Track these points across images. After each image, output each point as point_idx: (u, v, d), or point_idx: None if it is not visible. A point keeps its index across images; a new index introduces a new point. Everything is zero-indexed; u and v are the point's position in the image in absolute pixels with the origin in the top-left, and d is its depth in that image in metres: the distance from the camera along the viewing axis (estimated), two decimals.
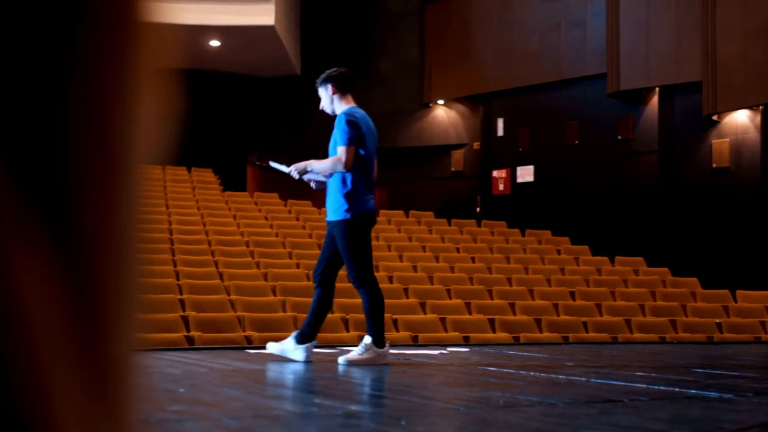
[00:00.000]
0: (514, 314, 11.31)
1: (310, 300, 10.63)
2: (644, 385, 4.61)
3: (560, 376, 5.18)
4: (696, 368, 5.89)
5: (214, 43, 21.58)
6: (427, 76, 22.19)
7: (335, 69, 6.37)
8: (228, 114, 23.73)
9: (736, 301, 12.94)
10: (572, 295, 12.56)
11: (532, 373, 5.39)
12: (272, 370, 5.37)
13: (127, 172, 0.60)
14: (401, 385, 4.48)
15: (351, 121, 6.02)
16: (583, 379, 5.04)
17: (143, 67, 0.61)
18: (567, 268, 14.21)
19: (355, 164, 6.01)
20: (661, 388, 4.51)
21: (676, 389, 4.47)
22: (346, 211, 5.99)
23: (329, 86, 6.24)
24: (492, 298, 11.94)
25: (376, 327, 5.97)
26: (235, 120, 23.75)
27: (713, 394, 4.22)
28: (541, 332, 10.72)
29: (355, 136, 6.00)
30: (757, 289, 13.32)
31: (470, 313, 11.19)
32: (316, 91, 6.39)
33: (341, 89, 6.24)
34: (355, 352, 5.97)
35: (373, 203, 6.18)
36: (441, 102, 22.08)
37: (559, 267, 14.18)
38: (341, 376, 5.00)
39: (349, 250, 5.94)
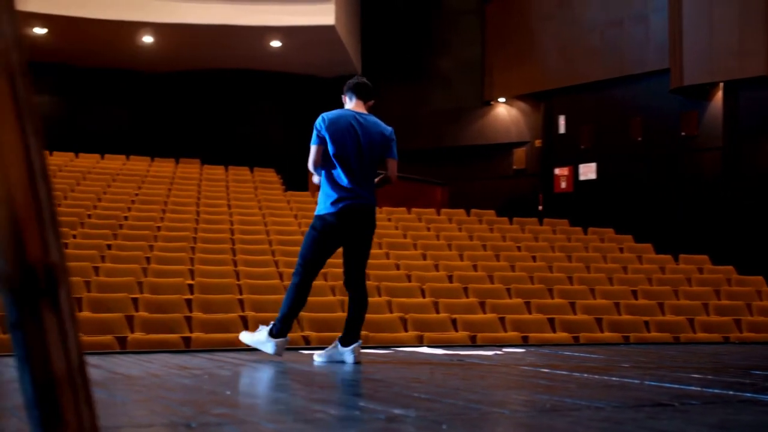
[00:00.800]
0: (575, 314, 11.21)
1: (370, 299, 10.68)
2: (698, 388, 4.52)
3: (613, 378, 5.10)
4: (756, 370, 5.78)
5: (275, 43, 21.69)
6: (488, 74, 22.09)
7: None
8: (290, 114, 23.84)
9: None
10: (634, 294, 12.41)
11: (585, 375, 5.32)
12: (322, 371, 5.37)
13: None
14: (450, 388, 4.45)
15: (316, 122, 6.07)
16: (636, 381, 4.96)
17: None
18: (629, 266, 14.04)
19: (321, 164, 6.08)
20: (716, 391, 4.42)
21: (731, 392, 4.38)
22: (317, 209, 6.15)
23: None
24: (552, 297, 11.84)
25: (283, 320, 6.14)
26: (297, 120, 23.84)
27: None
28: (601, 332, 10.60)
29: (317, 136, 6.08)
30: None
31: (530, 313, 11.10)
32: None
33: (343, 93, 6.43)
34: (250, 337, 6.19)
35: (343, 204, 6.09)
36: (502, 100, 21.97)
37: (622, 265, 14.02)
38: (391, 378, 4.98)
39: (304, 241, 6.07)
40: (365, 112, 6.34)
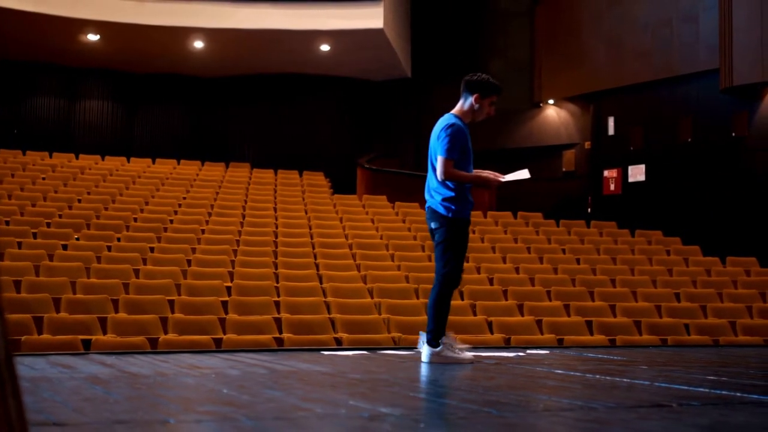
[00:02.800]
0: (614, 316, 11.10)
1: (406, 302, 10.69)
2: (706, 390, 4.46)
3: (624, 380, 5.05)
4: None
5: (325, 47, 21.79)
6: (537, 76, 21.99)
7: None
8: (339, 118, 23.93)
9: None
10: (677, 296, 12.26)
11: (597, 376, 5.27)
12: (330, 371, 5.38)
13: None
14: (451, 388, 4.44)
15: None
16: (646, 383, 4.91)
17: None
18: (675, 269, 13.87)
19: None
20: (722, 392, 4.35)
21: (738, 394, 4.31)
22: None
23: None
24: (593, 300, 11.74)
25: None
26: (347, 123, 23.94)
27: None
28: (639, 335, 10.48)
29: None
30: None
31: (568, 315, 11.02)
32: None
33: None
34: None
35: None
36: (551, 102, 21.86)
37: (667, 268, 13.86)
38: (396, 378, 4.98)
39: None
40: (453, 111, 6.43)
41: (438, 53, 23.53)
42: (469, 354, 6.31)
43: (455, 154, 6.15)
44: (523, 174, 6.41)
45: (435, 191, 6.26)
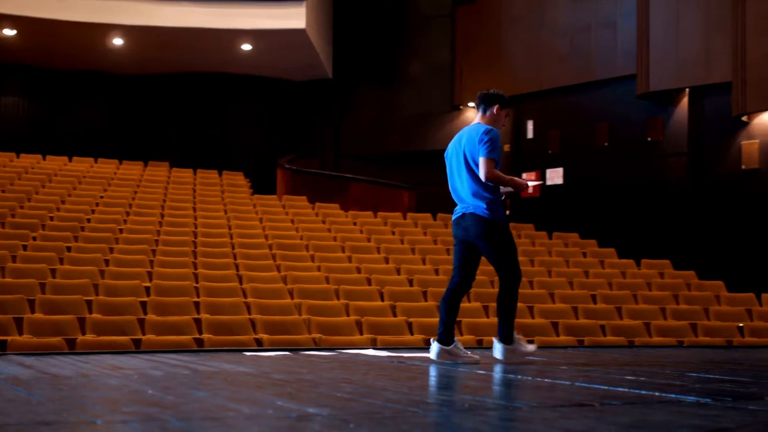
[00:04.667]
0: (532, 317, 11.24)
1: (327, 302, 10.70)
2: (626, 389, 4.54)
3: (545, 380, 5.12)
4: (691, 372, 5.81)
5: (246, 47, 21.69)
6: (458, 78, 22.15)
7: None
8: (260, 118, 23.84)
9: (761, 305, 12.77)
10: (593, 298, 12.47)
11: (518, 376, 5.34)
12: (254, 372, 5.37)
13: None
14: (376, 388, 4.46)
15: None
16: (567, 383, 4.98)
17: None
18: (591, 271, 14.10)
19: None
20: (641, 392, 4.44)
21: (656, 393, 4.40)
22: None
23: None
24: None
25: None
26: (268, 124, 23.85)
27: (690, 399, 4.15)
28: (557, 336, 10.64)
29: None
30: None
31: (487, 317, 11.13)
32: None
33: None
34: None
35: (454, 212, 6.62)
36: (471, 104, 22.02)
37: (584, 270, 14.08)
38: (321, 379, 4.99)
39: None
40: (479, 121, 6.63)
41: (359, 54, 23.56)
42: (532, 347, 6.76)
43: (496, 155, 6.34)
44: (539, 182, 7.21)
45: (475, 196, 6.42)
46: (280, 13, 20.75)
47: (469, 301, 11.59)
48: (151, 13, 20.34)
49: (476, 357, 6.53)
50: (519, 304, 11.49)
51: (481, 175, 6.30)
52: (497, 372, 5.69)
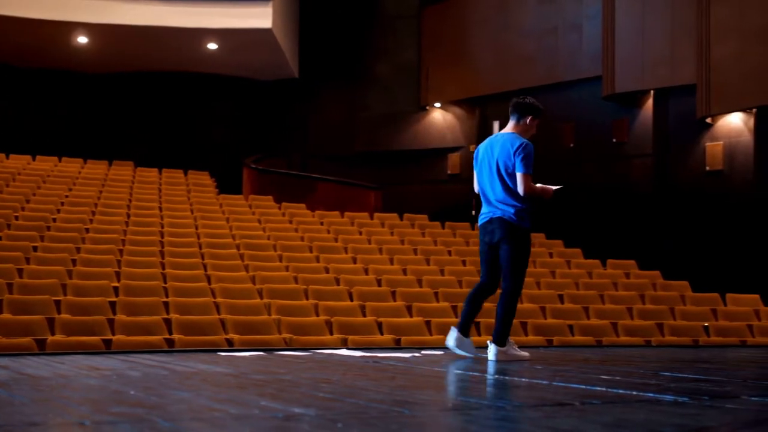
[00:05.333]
0: None
1: (296, 303, 10.70)
2: (603, 389, 4.59)
3: (522, 379, 5.17)
4: (664, 372, 5.87)
5: (212, 46, 21.61)
6: (424, 79, 22.20)
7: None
8: (225, 117, 23.77)
9: (725, 305, 12.92)
10: (561, 298, 12.54)
11: (495, 376, 5.38)
12: (233, 372, 5.37)
13: None
14: (357, 388, 4.47)
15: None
16: (544, 382, 5.02)
17: None
18: (558, 271, 14.18)
19: None
20: (619, 391, 4.49)
21: (634, 393, 4.45)
22: None
23: None
24: None
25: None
26: (233, 123, 23.79)
27: (668, 398, 4.20)
28: (526, 335, 10.70)
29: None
30: (747, 292, 13.29)
31: (457, 316, 11.16)
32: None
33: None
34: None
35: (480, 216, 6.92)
36: (437, 105, 22.10)
37: (550, 270, 14.16)
38: (300, 379, 4.99)
39: None
40: (512, 131, 6.93)
41: (326, 54, 23.55)
42: (525, 353, 7.06)
43: (531, 170, 6.67)
44: (559, 186, 7.06)
45: (505, 203, 6.71)
46: (246, 12, 20.70)
47: (438, 301, 11.64)
48: (117, 12, 20.22)
49: (526, 354, 7.06)
50: (487, 305, 11.59)
51: (520, 190, 6.63)
52: (474, 372, 5.72)
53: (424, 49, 22.41)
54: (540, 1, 20.12)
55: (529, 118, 6.88)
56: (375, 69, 23.01)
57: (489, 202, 6.77)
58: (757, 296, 13.12)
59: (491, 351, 6.78)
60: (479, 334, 10.26)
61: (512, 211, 6.67)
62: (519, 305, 11.76)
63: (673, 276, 14.46)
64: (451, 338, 6.97)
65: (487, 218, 6.78)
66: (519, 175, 6.62)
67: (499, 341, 6.75)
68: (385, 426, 3.26)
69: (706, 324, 11.81)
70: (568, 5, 19.63)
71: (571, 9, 19.58)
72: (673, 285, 13.78)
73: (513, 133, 6.84)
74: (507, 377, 5.30)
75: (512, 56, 20.43)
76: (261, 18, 20.59)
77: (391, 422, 3.35)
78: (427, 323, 10.53)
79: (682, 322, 11.85)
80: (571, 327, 11.12)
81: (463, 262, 14.17)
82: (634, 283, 13.76)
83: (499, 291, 6.87)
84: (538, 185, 6.74)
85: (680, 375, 5.63)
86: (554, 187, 6.85)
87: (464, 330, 6.98)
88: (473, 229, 17.03)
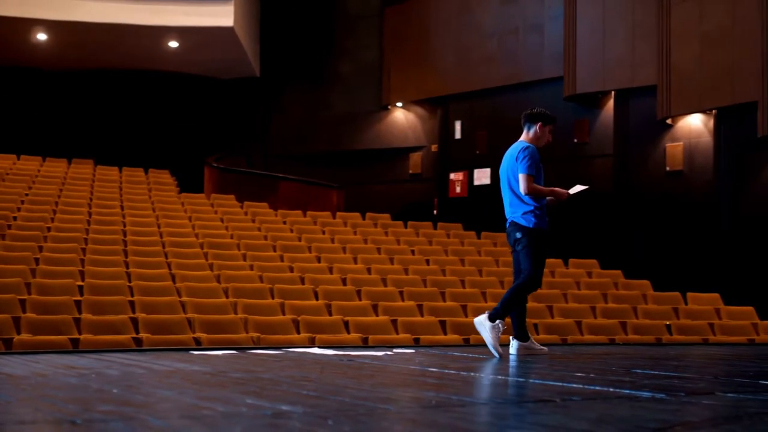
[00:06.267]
0: (466, 316, 11.34)
1: (262, 301, 10.68)
2: (580, 386, 4.64)
3: (499, 377, 5.21)
4: (636, 369, 5.94)
5: (173, 44, 21.50)
6: (386, 78, 22.23)
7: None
8: (186, 115, 23.65)
9: (686, 304, 13.07)
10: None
11: (472, 374, 5.42)
12: (211, 371, 5.36)
13: None
14: (338, 386, 4.49)
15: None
16: (521, 379, 5.08)
17: None
18: None
19: None
20: (596, 388, 4.54)
21: (611, 389, 4.51)
22: None
23: None
24: (444, 300, 11.98)
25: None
26: (194, 121, 23.67)
27: (646, 394, 4.27)
28: None
29: None
30: (708, 291, 13.45)
31: (422, 315, 11.22)
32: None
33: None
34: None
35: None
36: (399, 104, 22.14)
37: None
38: (279, 377, 5.00)
39: None
40: (522, 139, 7.39)
41: (287, 53, 23.51)
42: (544, 348, 7.70)
43: (533, 171, 7.04)
44: (582, 187, 7.50)
45: (515, 207, 7.17)
46: (207, 11, 20.62)
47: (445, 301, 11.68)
48: (77, 8, 20.06)
49: (545, 349, 7.60)
50: (451, 304, 11.68)
51: (521, 189, 7.07)
52: (449, 370, 5.76)
53: (386, 49, 22.45)
54: (502, 2, 20.21)
55: (538, 125, 7.31)
56: (337, 68, 23.02)
57: (506, 210, 7.24)
58: (717, 295, 13.28)
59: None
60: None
61: (520, 213, 7.11)
62: (484, 304, 11.88)
63: (634, 275, 14.61)
64: (513, 349, 7.42)
65: (507, 223, 7.25)
66: (520, 176, 7.04)
67: (492, 317, 7.06)
68: (375, 423, 3.28)
69: (668, 322, 11.94)
70: (530, 6, 19.76)
71: (533, 10, 19.70)
72: (635, 284, 13.91)
73: (521, 141, 7.28)
74: (482, 374, 5.35)
75: (474, 56, 20.51)
76: (222, 16, 20.52)
77: (380, 419, 3.38)
78: (394, 322, 10.56)
79: (644, 321, 11.97)
80: (536, 326, 11.20)
81: (427, 261, 14.22)
82: (597, 282, 13.88)
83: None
84: (548, 188, 7.15)
85: (652, 372, 5.70)
86: (573, 190, 7.29)
87: (522, 336, 7.49)
88: (435, 228, 17.09)
